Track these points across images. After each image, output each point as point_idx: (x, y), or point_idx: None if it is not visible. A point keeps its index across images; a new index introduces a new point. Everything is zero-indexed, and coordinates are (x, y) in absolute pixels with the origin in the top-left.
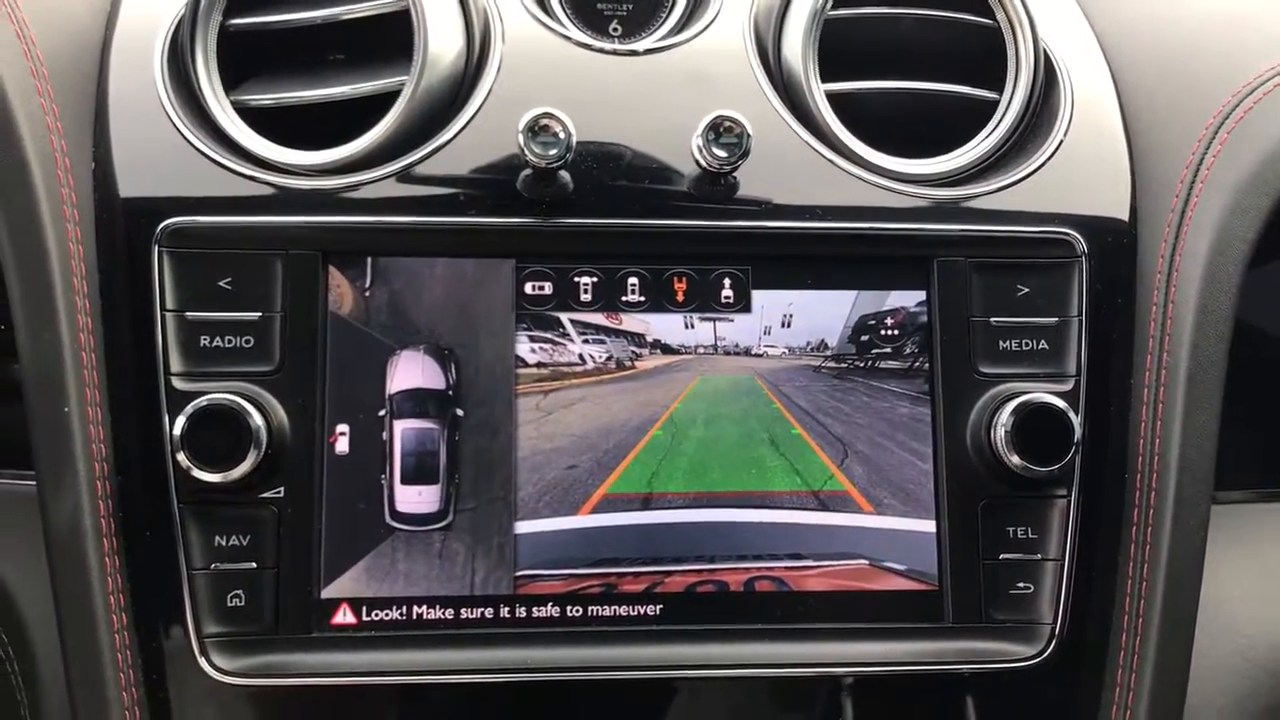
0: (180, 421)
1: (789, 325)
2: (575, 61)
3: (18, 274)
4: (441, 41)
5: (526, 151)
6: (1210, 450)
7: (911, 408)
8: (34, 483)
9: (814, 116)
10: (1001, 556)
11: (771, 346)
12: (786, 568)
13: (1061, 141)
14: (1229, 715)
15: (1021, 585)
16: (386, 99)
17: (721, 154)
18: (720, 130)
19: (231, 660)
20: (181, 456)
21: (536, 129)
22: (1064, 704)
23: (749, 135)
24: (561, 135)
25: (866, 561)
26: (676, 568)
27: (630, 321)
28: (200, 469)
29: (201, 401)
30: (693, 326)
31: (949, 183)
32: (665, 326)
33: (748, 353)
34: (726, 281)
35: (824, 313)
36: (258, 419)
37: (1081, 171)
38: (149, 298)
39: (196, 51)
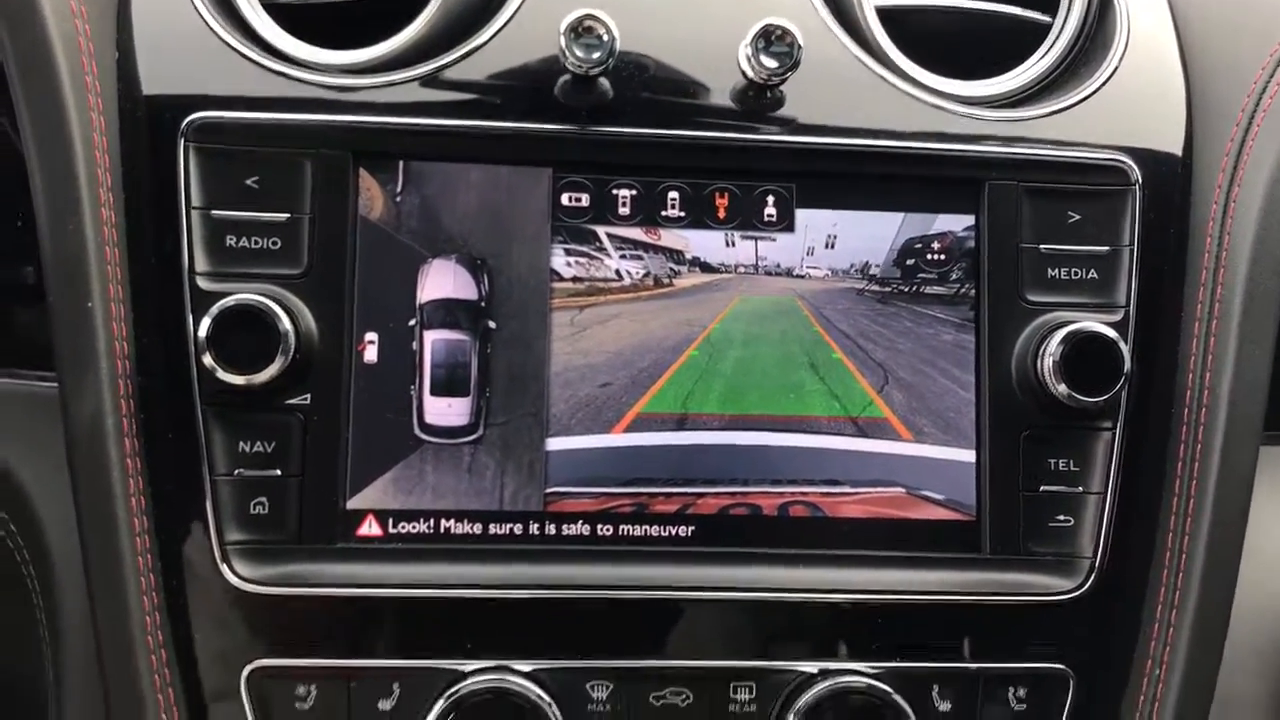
0: (206, 322)
1: (833, 246)
2: None
3: (40, 161)
4: None
5: (567, 54)
6: (1262, 388)
7: (956, 334)
8: (55, 384)
9: (863, 31)
10: (1042, 489)
11: (814, 268)
12: (822, 493)
13: (1117, 67)
14: (1268, 659)
15: (1062, 518)
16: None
17: (771, 64)
18: (770, 39)
19: (253, 568)
20: (206, 358)
21: (580, 31)
22: (1101, 640)
23: (800, 45)
24: (605, 38)
25: (903, 490)
26: (710, 490)
27: (669, 237)
28: (225, 371)
29: (229, 301)
30: (733, 245)
31: (1000, 105)
32: (705, 244)
33: (789, 274)
34: (770, 199)
35: (869, 234)
36: (286, 322)
37: (1136, 98)
38: (174, 194)
39: None
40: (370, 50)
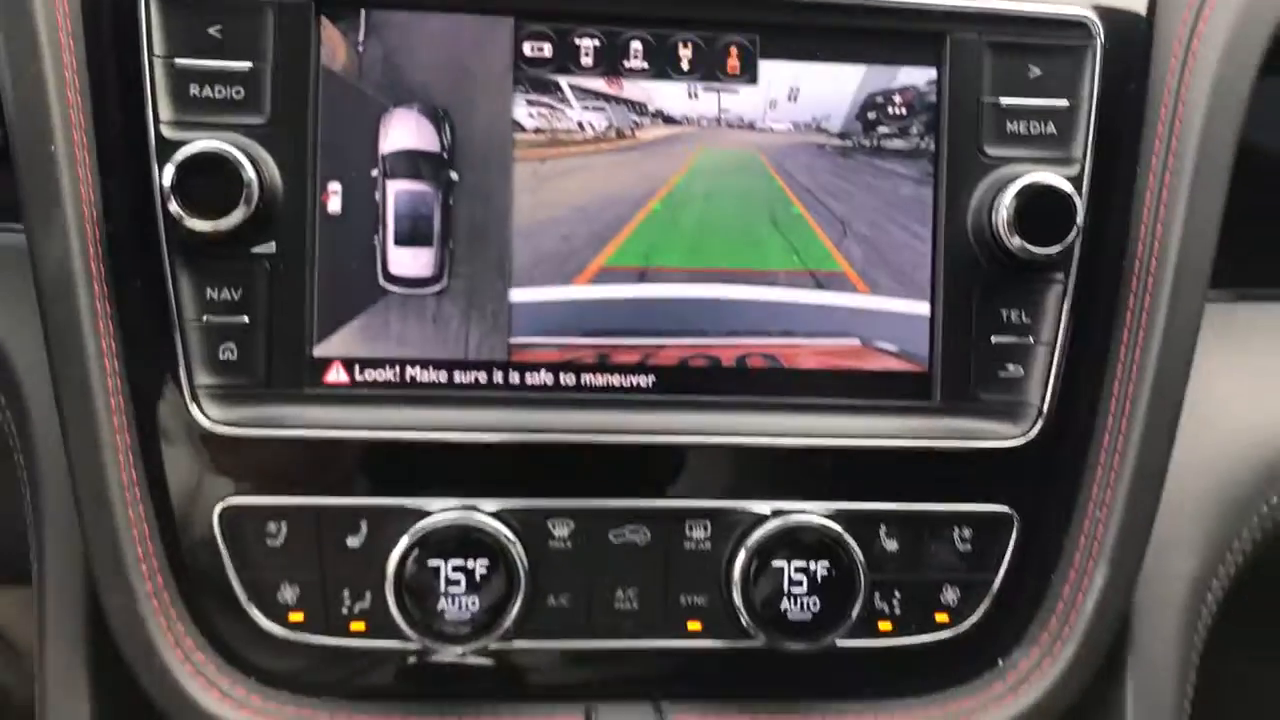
0: (170, 169)
1: (795, 100)
2: None
3: None
4: None
5: None
6: (1210, 243)
7: (915, 189)
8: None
9: None
10: (993, 339)
11: (776, 121)
12: (779, 345)
13: None
14: (1205, 504)
15: (1011, 368)
16: None
17: None
18: None
19: (223, 411)
20: (172, 204)
21: None
22: (1045, 484)
23: None
24: None
25: (859, 341)
26: (670, 341)
27: (631, 89)
28: (191, 217)
29: (192, 148)
30: (696, 96)
31: None
32: (668, 95)
33: (752, 127)
34: (733, 50)
35: (832, 88)
36: (250, 170)
37: None
38: (136, 43)
39: None
40: None
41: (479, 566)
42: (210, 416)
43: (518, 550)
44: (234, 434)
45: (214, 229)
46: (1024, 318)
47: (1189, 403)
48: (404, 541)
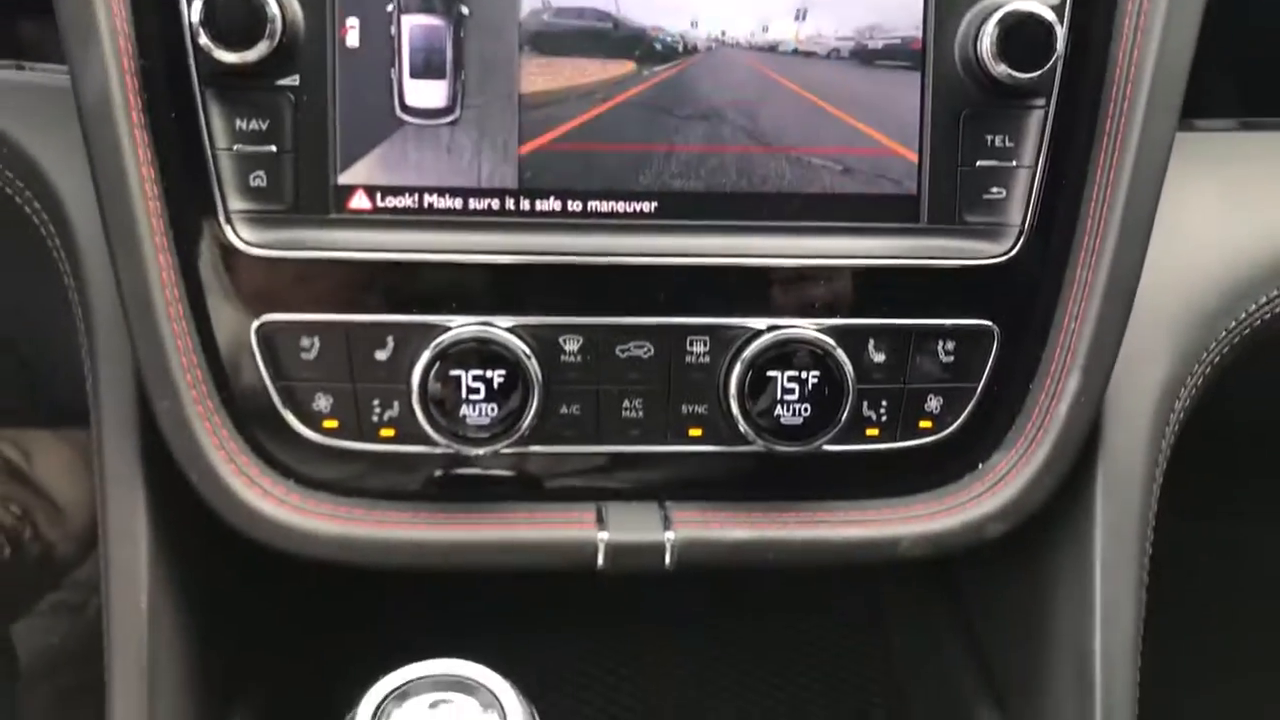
0: (198, 4)
1: None
2: None
3: None
4: None
5: None
6: (1182, 68)
7: (903, 38)
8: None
9: None
10: (978, 163)
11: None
12: (776, 171)
13: None
14: (1177, 318)
15: (995, 190)
16: None
17: None
18: None
19: (256, 233)
20: (202, 38)
21: None
22: (1024, 299)
23: None
24: None
25: (851, 167)
26: (675, 168)
27: None
28: (220, 49)
29: None
30: None
31: None
32: None
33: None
34: None
35: None
36: (273, 3)
37: None
38: None
39: None
40: None
41: (496, 376)
42: (244, 239)
43: (531, 362)
44: (266, 255)
45: (240, 60)
46: (1007, 142)
47: (1164, 224)
48: (427, 354)
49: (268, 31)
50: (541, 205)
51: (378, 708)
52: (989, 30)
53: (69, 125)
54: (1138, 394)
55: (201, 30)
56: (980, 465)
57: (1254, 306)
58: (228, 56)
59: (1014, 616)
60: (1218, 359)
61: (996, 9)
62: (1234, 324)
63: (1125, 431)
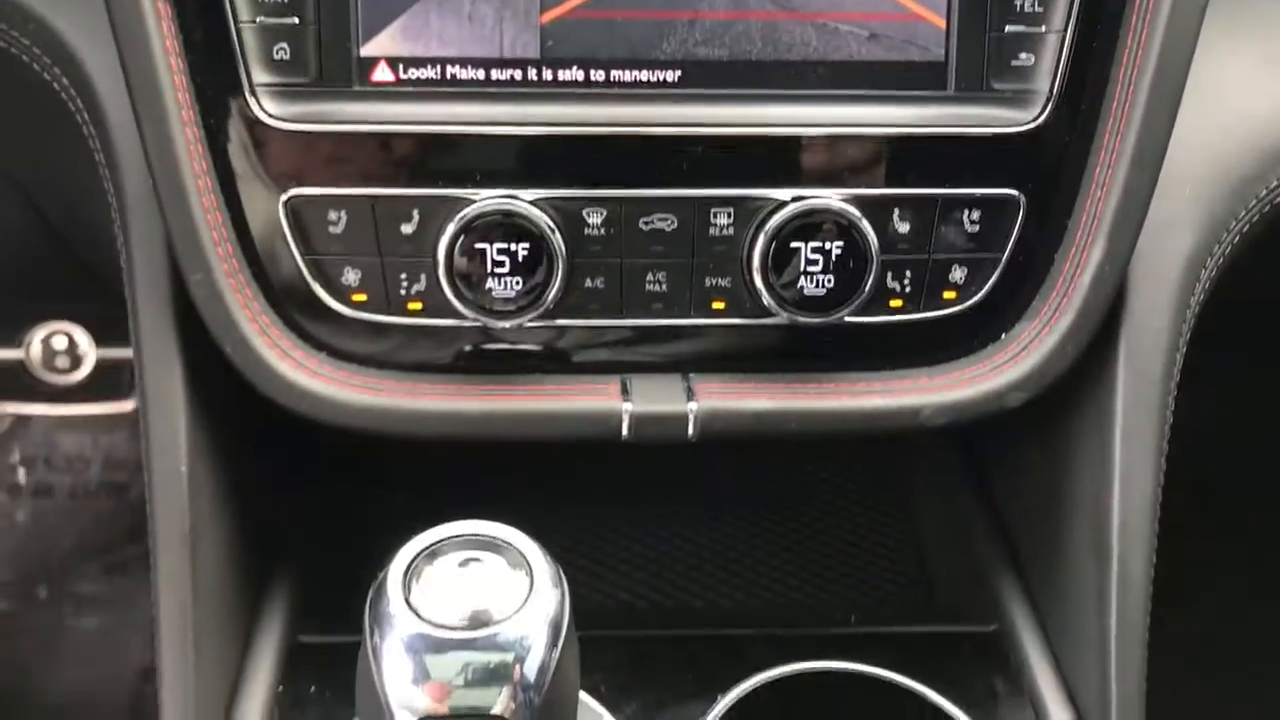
0: None
1: None
2: None
3: None
4: None
5: None
6: None
7: None
8: None
9: None
10: (1007, 29)
11: None
12: (803, 36)
13: None
14: (1204, 186)
15: (1024, 56)
16: None
17: None
18: None
19: (281, 106)
20: None
21: None
22: (1051, 167)
23: None
24: None
25: (878, 33)
26: (698, 36)
27: None
28: None
29: None
30: None
31: None
32: None
33: None
34: None
35: None
36: None
37: None
38: None
39: None
40: None
41: (521, 249)
42: (269, 112)
43: (556, 235)
44: (291, 129)
45: None
46: (1036, 6)
47: (1194, 89)
48: (452, 227)
49: None
50: (564, 75)
51: (409, 565)
52: None
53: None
54: (1163, 262)
55: None
56: (1003, 335)
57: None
58: None
59: (1033, 483)
60: (1246, 228)
61: None
62: (1265, 191)
63: (1149, 300)
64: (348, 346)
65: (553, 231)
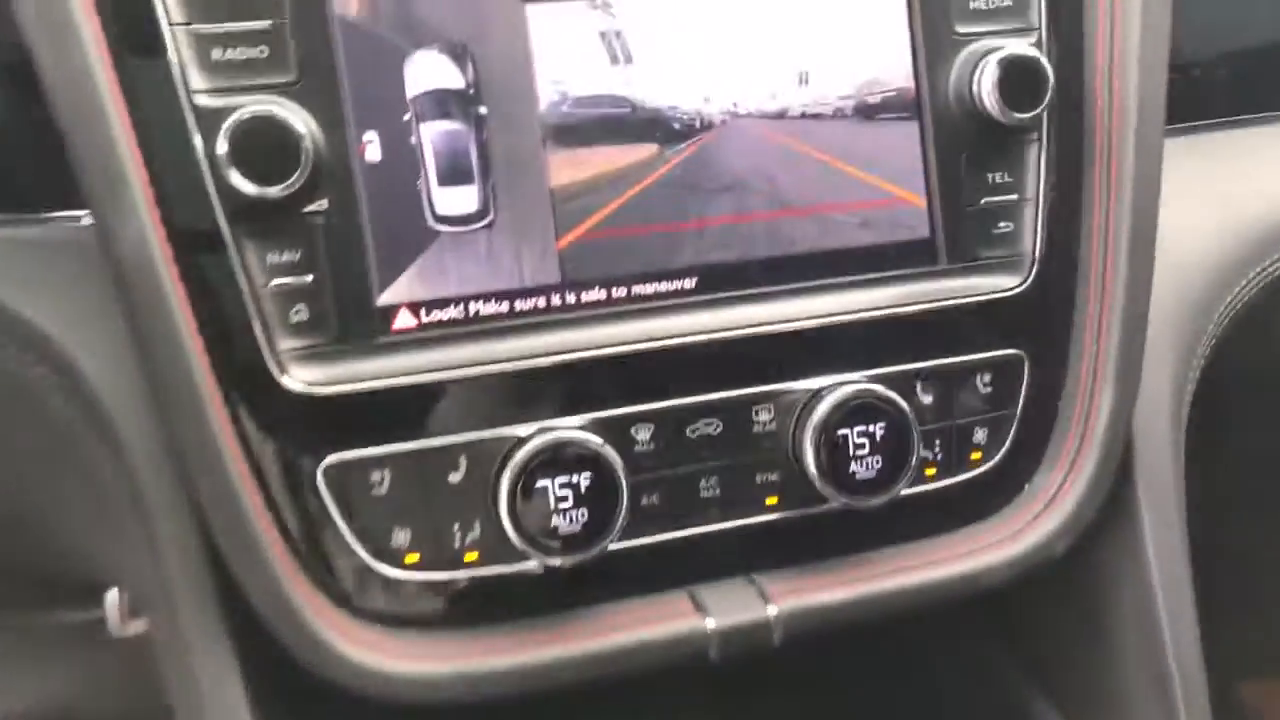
0: (223, 139)
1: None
2: None
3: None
4: None
5: None
6: (1161, 79)
7: (899, 86)
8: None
9: None
10: (983, 201)
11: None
12: (805, 231)
13: None
14: (1172, 313)
15: (1004, 225)
16: None
17: None
18: None
19: (306, 371)
20: (233, 175)
21: None
22: (1048, 323)
23: None
24: None
25: (868, 220)
26: (709, 244)
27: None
28: (252, 183)
29: (244, 113)
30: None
31: None
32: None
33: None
34: None
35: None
36: (302, 128)
37: None
38: (152, 14)
39: None
40: None
41: (581, 479)
42: (295, 378)
43: (612, 456)
44: (318, 394)
45: (280, 193)
46: (1007, 177)
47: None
48: (507, 469)
49: (301, 161)
50: (586, 296)
51: None
52: (988, 74)
53: (70, 284)
54: (1154, 391)
55: (230, 165)
56: (1026, 486)
57: (1238, 287)
58: (263, 191)
59: (1069, 626)
60: (1213, 341)
61: (987, 54)
62: (1223, 306)
63: (1151, 432)
64: (402, 611)
65: (608, 454)
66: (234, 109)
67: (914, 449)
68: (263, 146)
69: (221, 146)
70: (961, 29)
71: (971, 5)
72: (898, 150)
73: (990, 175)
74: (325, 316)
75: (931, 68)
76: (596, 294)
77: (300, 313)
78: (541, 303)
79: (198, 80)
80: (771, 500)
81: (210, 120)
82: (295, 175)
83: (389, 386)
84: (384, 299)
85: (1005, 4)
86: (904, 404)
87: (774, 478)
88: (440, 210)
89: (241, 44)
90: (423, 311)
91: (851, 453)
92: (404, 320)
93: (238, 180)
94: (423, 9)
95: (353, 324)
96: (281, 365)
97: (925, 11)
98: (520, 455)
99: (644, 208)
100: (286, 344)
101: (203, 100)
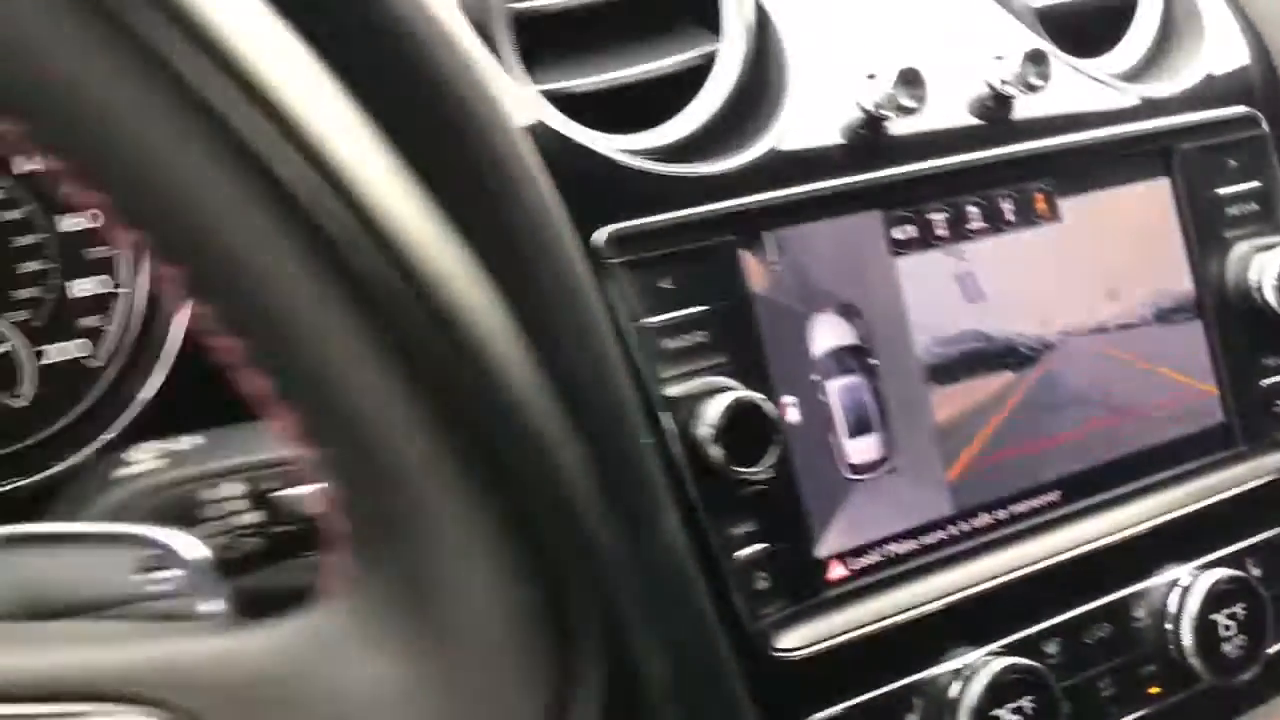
0: (711, 421)
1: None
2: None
3: None
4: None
5: (899, 99)
6: None
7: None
8: None
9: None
10: (1264, 382)
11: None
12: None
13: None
14: None
15: None
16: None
17: (1038, 82)
18: (1035, 60)
19: (782, 638)
20: (714, 450)
21: (910, 79)
22: None
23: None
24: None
25: (1174, 414)
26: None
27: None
28: (738, 466)
29: (729, 398)
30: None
31: (1130, 79)
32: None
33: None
34: (1039, 196)
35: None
36: (772, 407)
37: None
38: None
39: (498, 40)
40: (660, 132)
41: (1026, 703)
42: (777, 647)
43: (1050, 676)
44: (796, 657)
45: (759, 471)
46: None
47: None
48: (964, 705)
49: (775, 437)
50: (977, 523)
51: None
52: (1269, 272)
53: None
54: None
55: (719, 447)
56: None
57: None
58: (746, 471)
59: None
60: None
61: (1258, 251)
62: None
63: None
64: None
65: (1045, 673)
66: (692, 394)
67: (1269, 621)
68: (746, 429)
69: (707, 428)
70: (1227, 234)
71: (1228, 211)
72: (1189, 355)
73: (1273, 360)
74: (780, 581)
75: (1206, 272)
76: (987, 519)
77: (763, 580)
78: (944, 535)
79: (662, 370)
80: (1155, 690)
81: (680, 407)
82: (769, 454)
83: (850, 639)
84: (821, 552)
85: (1252, 208)
86: (1254, 579)
87: (1154, 669)
88: (852, 460)
89: (685, 332)
90: (848, 559)
91: (1220, 634)
92: (837, 571)
93: (719, 457)
94: (814, 275)
95: (804, 583)
96: (761, 634)
97: (1198, 221)
98: (967, 690)
99: (1013, 431)
100: (758, 613)
101: (667, 389)
